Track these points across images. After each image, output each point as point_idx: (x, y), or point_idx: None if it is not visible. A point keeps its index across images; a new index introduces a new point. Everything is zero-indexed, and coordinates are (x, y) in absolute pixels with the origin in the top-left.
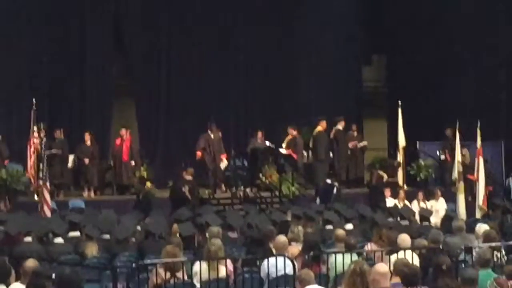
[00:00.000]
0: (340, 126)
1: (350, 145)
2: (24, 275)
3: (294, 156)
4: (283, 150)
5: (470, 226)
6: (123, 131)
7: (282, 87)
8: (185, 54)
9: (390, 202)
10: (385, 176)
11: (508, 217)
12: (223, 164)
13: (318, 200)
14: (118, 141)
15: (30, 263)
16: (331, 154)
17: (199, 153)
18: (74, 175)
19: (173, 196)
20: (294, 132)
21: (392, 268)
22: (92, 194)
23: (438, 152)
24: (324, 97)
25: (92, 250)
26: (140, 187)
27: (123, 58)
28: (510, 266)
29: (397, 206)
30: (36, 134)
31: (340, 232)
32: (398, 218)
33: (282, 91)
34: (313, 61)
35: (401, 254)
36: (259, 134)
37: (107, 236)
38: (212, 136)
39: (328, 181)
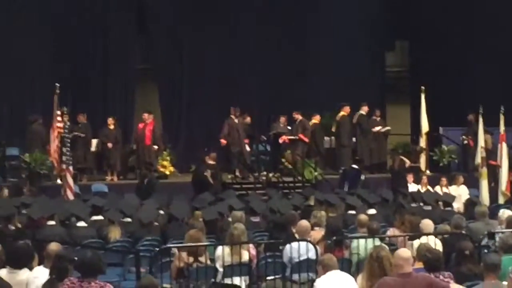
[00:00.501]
0: (363, 111)
1: (373, 130)
2: (47, 258)
3: (305, 139)
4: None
5: (493, 211)
6: (146, 116)
7: (305, 72)
8: (208, 38)
9: (413, 187)
10: (408, 162)
11: None
12: (247, 148)
13: (346, 186)
14: (140, 126)
15: (53, 246)
16: (354, 139)
17: (223, 141)
18: (97, 159)
19: (195, 181)
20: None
21: (415, 253)
22: (115, 178)
23: (461, 138)
24: (348, 83)
25: (115, 234)
26: (146, 173)
27: (147, 43)
28: None
29: (420, 191)
30: (59, 118)
31: (362, 217)
32: (421, 203)
33: (305, 76)
34: (337, 46)
35: (423, 239)
36: (282, 119)
37: (129, 220)
38: (236, 120)
39: (355, 166)
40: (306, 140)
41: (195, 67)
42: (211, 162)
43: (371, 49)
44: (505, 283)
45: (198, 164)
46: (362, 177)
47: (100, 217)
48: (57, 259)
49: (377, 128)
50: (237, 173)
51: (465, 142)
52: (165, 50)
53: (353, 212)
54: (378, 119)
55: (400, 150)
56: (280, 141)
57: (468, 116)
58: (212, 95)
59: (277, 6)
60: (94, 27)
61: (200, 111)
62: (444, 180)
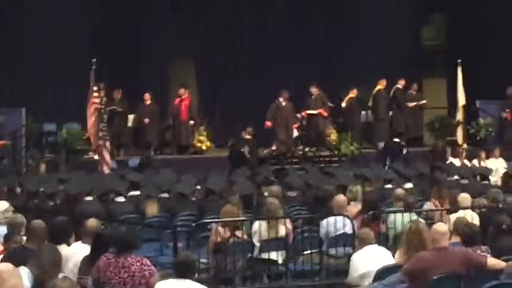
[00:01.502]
0: (400, 85)
1: (410, 105)
2: (86, 234)
3: (325, 113)
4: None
5: None
6: (182, 91)
7: (341, 47)
8: (245, 14)
9: (450, 161)
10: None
11: None
12: (295, 133)
13: (388, 160)
14: (176, 101)
15: (92, 222)
16: (390, 113)
17: (268, 123)
18: (134, 135)
19: (232, 156)
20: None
21: (451, 227)
22: (152, 153)
23: (499, 111)
24: (385, 57)
25: (152, 209)
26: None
27: (182, 18)
28: None
29: (457, 165)
30: (96, 94)
31: (399, 191)
32: (458, 177)
33: (341, 51)
34: (374, 20)
35: (460, 213)
36: (314, 89)
37: (166, 195)
38: (283, 103)
39: (397, 140)
40: (326, 114)
41: (231, 41)
42: (248, 136)
43: (407, 23)
44: None
45: (235, 139)
46: (404, 150)
47: (137, 192)
48: (97, 237)
49: (412, 104)
50: (274, 147)
51: (504, 115)
52: (201, 25)
53: (390, 186)
54: (415, 93)
55: (436, 124)
56: (299, 116)
57: (508, 89)
58: (248, 69)
59: None
60: (131, 3)
61: (237, 86)
62: (482, 154)
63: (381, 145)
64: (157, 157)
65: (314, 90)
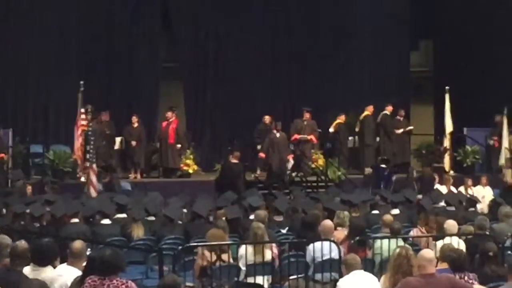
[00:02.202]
0: (388, 111)
1: (397, 131)
2: (71, 256)
3: (315, 140)
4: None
5: None
6: (170, 114)
7: (330, 72)
8: (233, 37)
9: (437, 188)
10: (437, 178)
11: None
12: (290, 164)
13: (382, 185)
14: (164, 124)
15: (78, 244)
16: (377, 139)
17: (262, 155)
18: (121, 157)
19: (222, 179)
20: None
21: (438, 253)
22: (138, 176)
23: (486, 139)
24: (372, 83)
25: (138, 232)
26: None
27: (171, 41)
28: None
29: (444, 192)
30: (83, 116)
31: (387, 217)
32: (445, 204)
33: (330, 76)
34: (361, 46)
35: (447, 240)
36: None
37: (153, 218)
38: (277, 135)
39: (384, 166)
40: (315, 141)
41: (220, 65)
42: (234, 161)
43: (395, 49)
44: None
45: (224, 162)
46: (393, 177)
47: (123, 215)
48: (90, 261)
49: (399, 130)
50: (261, 172)
51: (491, 143)
52: (190, 48)
53: (376, 212)
54: (402, 119)
55: (423, 150)
56: (292, 139)
57: (496, 117)
58: (237, 94)
59: (304, 5)
60: (119, 25)
61: (224, 110)
62: (468, 181)
63: (369, 170)
64: (143, 179)
65: (307, 116)
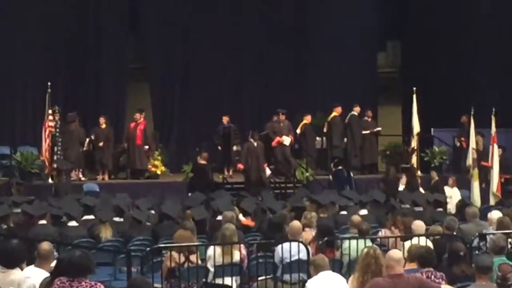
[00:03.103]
0: (355, 112)
1: (365, 132)
2: (39, 258)
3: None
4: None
5: (484, 213)
6: (138, 115)
7: (298, 73)
8: (201, 37)
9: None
10: (404, 178)
11: None
12: (267, 172)
13: (347, 187)
14: (132, 125)
15: (45, 246)
16: (345, 140)
17: (240, 166)
18: (88, 159)
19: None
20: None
21: (406, 254)
22: (106, 177)
23: (453, 139)
24: (340, 84)
25: (106, 233)
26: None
27: (138, 42)
28: None
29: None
30: (51, 117)
31: (355, 218)
32: (412, 204)
33: (298, 77)
34: (329, 47)
35: (415, 240)
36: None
37: (121, 220)
38: (255, 144)
39: (340, 167)
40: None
41: (187, 66)
42: (202, 162)
43: (363, 50)
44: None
45: (193, 163)
46: (352, 177)
47: (91, 217)
48: (59, 262)
49: (366, 131)
50: (228, 173)
51: (458, 143)
52: (157, 50)
53: (344, 212)
54: (370, 119)
55: (388, 151)
56: (274, 144)
57: (462, 117)
58: (205, 95)
59: (272, 8)
60: (86, 26)
61: (192, 111)
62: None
63: (330, 176)
64: (111, 181)
65: (282, 118)
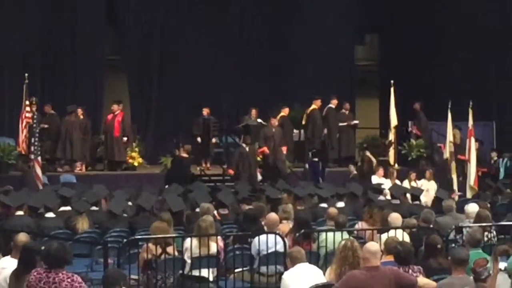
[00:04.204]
0: (333, 104)
1: (342, 124)
2: (15, 249)
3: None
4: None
5: (460, 206)
6: (115, 107)
7: (276, 65)
8: (179, 29)
9: (382, 181)
10: (374, 160)
11: (499, 198)
12: (259, 178)
13: (320, 179)
14: (109, 117)
15: (21, 237)
16: (325, 132)
17: (231, 171)
18: (66, 150)
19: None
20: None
21: (383, 246)
22: (83, 169)
23: (410, 127)
24: (318, 76)
25: (83, 224)
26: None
27: (116, 34)
28: (501, 246)
29: (388, 185)
30: (28, 109)
31: (332, 210)
32: (389, 197)
33: (276, 69)
34: (307, 40)
35: (391, 233)
36: (253, 111)
37: (97, 209)
38: (247, 149)
39: (315, 159)
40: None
41: (165, 58)
42: (184, 154)
43: (341, 43)
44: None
45: (173, 156)
46: (326, 169)
47: (68, 208)
48: (24, 250)
49: (343, 124)
50: (206, 165)
51: (410, 129)
52: (135, 41)
53: (322, 205)
54: (347, 112)
55: (365, 144)
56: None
57: (415, 104)
58: (182, 87)
59: (245, 2)
60: (64, 17)
61: (170, 103)
62: (413, 174)
63: (307, 165)
64: (89, 172)
65: (274, 122)
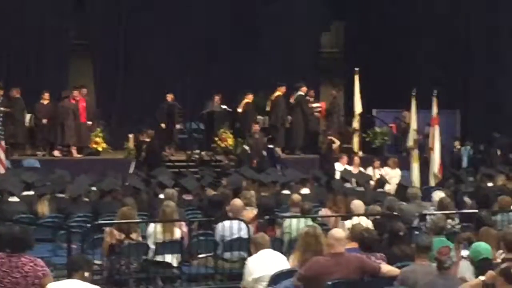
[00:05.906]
0: (302, 92)
1: (314, 110)
2: None
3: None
4: None
5: (425, 193)
6: (76, 93)
7: (241, 52)
8: (144, 15)
9: (345, 168)
10: (337, 142)
11: (462, 186)
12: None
13: (278, 166)
14: (73, 102)
15: None
16: (289, 119)
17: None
18: (30, 135)
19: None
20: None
21: (348, 233)
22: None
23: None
24: (282, 63)
25: (43, 208)
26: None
27: (82, 18)
28: (464, 234)
29: (352, 172)
30: None
31: (295, 196)
32: (353, 184)
33: (241, 55)
34: (273, 26)
35: (355, 220)
36: (216, 98)
37: (61, 195)
38: (257, 136)
39: (271, 146)
40: None
41: (131, 43)
42: (147, 139)
43: (306, 29)
44: (435, 264)
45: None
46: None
47: (31, 192)
48: None
49: (315, 105)
50: (170, 151)
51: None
52: (101, 26)
53: (286, 191)
54: (312, 99)
55: (329, 131)
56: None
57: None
58: (147, 72)
59: None
60: (31, 1)
61: (135, 88)
62: (376, 162)
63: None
64: (53, 158)
65: (256, 128)
